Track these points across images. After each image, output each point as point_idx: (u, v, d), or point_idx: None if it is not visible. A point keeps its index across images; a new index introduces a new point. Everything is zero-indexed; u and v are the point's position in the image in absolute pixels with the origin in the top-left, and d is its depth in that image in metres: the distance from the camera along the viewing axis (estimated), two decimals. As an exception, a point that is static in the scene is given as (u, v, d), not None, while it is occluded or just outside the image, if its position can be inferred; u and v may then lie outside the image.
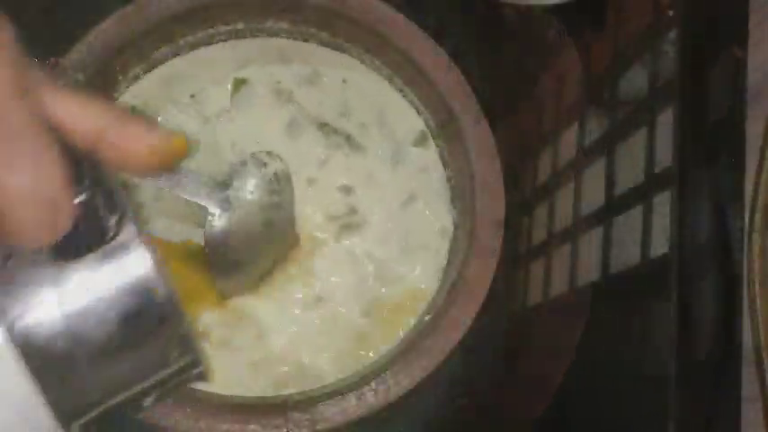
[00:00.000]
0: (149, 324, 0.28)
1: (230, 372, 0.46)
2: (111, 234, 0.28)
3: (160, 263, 0.28)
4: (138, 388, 0.29)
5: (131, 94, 0.49)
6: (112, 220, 0.29)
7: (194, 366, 0.30)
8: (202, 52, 0.50)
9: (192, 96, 0.49)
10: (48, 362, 0.26)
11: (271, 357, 0.46)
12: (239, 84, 0.50)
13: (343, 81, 0.50)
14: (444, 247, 0.48)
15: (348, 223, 0.48)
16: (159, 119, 0.48)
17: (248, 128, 0.49)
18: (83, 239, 0.28)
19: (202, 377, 0.31)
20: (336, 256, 0.48)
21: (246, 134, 0.49)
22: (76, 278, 0.27)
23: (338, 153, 0.49)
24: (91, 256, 0.28)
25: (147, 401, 0.30)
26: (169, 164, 0.28)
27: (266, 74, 0.50)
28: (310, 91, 0.50)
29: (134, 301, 0.28)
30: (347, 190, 0.49)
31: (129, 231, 0.28)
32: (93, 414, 0.28)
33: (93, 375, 0.28)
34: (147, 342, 0.29)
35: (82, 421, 0.28)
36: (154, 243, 0.28)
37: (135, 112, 0.48)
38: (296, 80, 0.50)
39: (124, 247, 0.28)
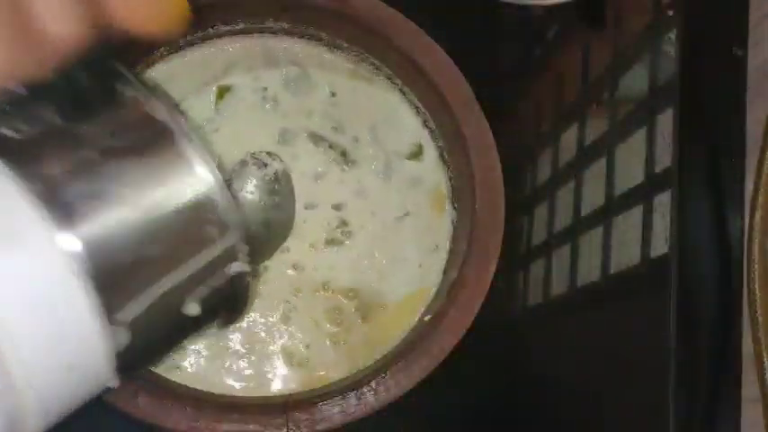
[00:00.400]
0: (178, 184, 0.27)
1: (228, 368, 0.46)
2: (119, 94, 0.28)
3: (181, 120, 0.27)
4: (180, 274, 0.27)
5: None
6: (118, 83, 0.28)
7: (233, 254, 0.29)
8: (186, 55, 0.49)
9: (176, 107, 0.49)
10: (83, 227, 0.25)
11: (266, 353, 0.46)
12: (223, 91, 0.49)
13: (332, 92, 0.50)
14: (444, 247, 0.48)
15: (343, 230, 0.48)
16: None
17: (235, 139, 0.48)
18: (92, 95, 0.27)
19: (245, 281, 0.30)
20: (333, 258, 0.48)
21: (233, 146, 0.48)
22: (93, 135, 0.26)
23: (334, 166, 0.49)
24: (104, 116, 0.27)
25: (192, 307, 0.28)
26: (170, 26, 0.27)
27: (251, 79, 0.49)
28: (298, 96, 0.49)
29: (158, 155, 0.27)
30: (346, 196, 0.48)
31: (139, 92, 0.28)
32: (139, 305, 0.26)
33: (130, 245, 0.26)
34: (180, 208, 0.27)
35: (126, 312, 0.26)
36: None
37: None
38: (284, 84, 0.49)
39: (138, 105, 0.28)
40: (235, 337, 0.46)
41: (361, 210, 0.48)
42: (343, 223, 0.48)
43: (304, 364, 0.46)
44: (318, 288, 0.47)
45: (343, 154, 0.49)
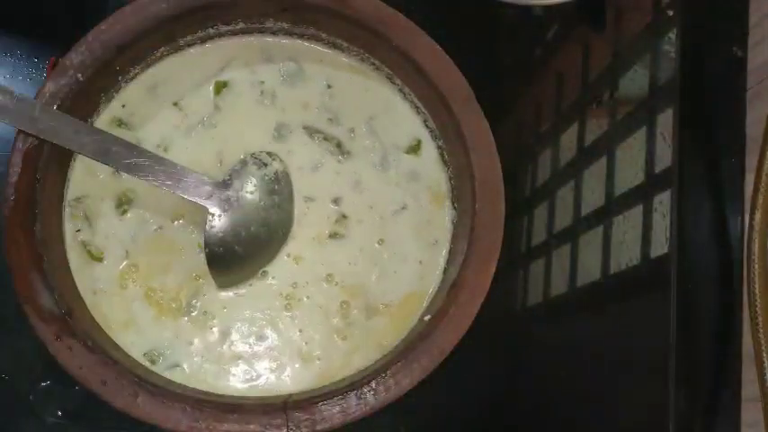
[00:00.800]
0: None
1: (228, 367, 0.46)
2: None
3: None
4: None
5: (119, 102, 0.48)
6: None
7: None
8: (185, 55, 0.49)
9: (175, 104, 0.49)
10: None
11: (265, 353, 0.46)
12: (220, 87, 0.49)
13: (328, 84, 0.50)
14: (444, 244, 0.48)
15: (342, 224, 0.48)
16: (144, 132, 0.48)
17: (234, 135, 0.48)
18: None
19: None
20: (333, 252, 0.48)
21: (231, 140, 0.48)
22: None
23: (329, 157, 0.49)
24: None
25: None
26: None
27: (249, 73, 0.49)
28: (295, 88, 0.50)
29: None
30: (343, 189, 0.48)
31: None
32: None
33: None
34: None
35: None
36: None
37: (121, 126, 0.48)
38: (281, 78, 0.49)
39: None
40: (235, 336, 0.46)
41: (359, 203, 0.48)
42: (342, 216, 0.48)
43: (306, 361, 0.46)
44: (320, 282, 0.47)
45: (339, 145, 0.49)
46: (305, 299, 0.47)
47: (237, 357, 0.46)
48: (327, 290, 0.47)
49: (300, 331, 0.46)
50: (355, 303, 0.47)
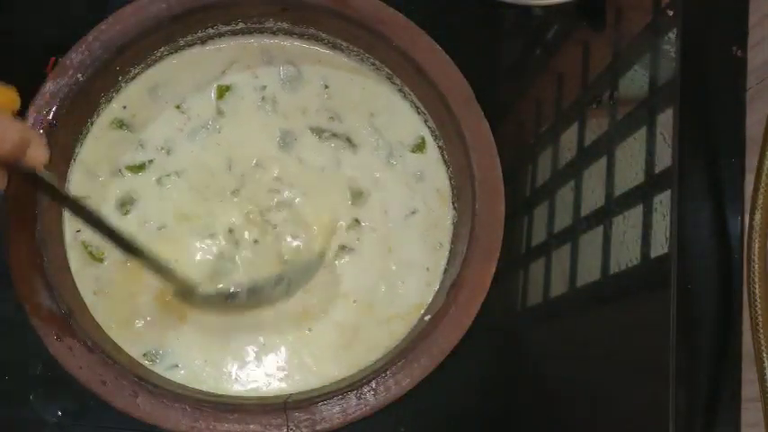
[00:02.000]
0: None
1: (229, 368, 0.46)
2: None
3: None
4: None
5: (120, 103, 0.48)
6: None
7: None
8: (185, 55, 0.49)
9: (177, 107, 0.49)
10: None
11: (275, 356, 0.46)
12: (223, 91, 0.49)
13: (325, 84, 0.50)
14: (446, 246, 0.48)
15: (349, 229, 0.48)
16: (146, 134, 0.48)
17: (238, 138, 0.49)
18: None
19: None
20: (344, 262, 0.48)
21: (237, 146, 0.48)
22: None
23: (335, 161, 0.49)
24: None
25: None
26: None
27: (251, 77, 0.49)
28: (296, 95, 0.50)
29: None
30: (351, 197, 0.48)
31: None
32: None
33: None
34: None
35: None
36: None
37: (123, 127, 0.48)
38: (281, 83, 0.49)
39: None
40: (235, 337, 0.46)
41: (371, 207, 0.48)
42: (356, 222, 0.48)
43: (306, 365, 0.46)
44: (329, 293, 0.47)
45: (348, 140, 0.49)
46: (310, 303, 0.47)
47: (239, 359, 0.46)
48: (337, 299, 0.47)
49: (304, 335, 0.46)
50: (366, 314, 0.47)
